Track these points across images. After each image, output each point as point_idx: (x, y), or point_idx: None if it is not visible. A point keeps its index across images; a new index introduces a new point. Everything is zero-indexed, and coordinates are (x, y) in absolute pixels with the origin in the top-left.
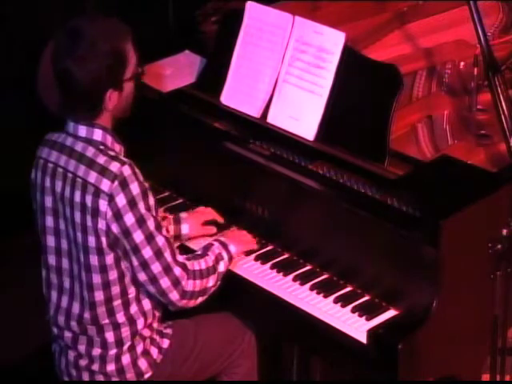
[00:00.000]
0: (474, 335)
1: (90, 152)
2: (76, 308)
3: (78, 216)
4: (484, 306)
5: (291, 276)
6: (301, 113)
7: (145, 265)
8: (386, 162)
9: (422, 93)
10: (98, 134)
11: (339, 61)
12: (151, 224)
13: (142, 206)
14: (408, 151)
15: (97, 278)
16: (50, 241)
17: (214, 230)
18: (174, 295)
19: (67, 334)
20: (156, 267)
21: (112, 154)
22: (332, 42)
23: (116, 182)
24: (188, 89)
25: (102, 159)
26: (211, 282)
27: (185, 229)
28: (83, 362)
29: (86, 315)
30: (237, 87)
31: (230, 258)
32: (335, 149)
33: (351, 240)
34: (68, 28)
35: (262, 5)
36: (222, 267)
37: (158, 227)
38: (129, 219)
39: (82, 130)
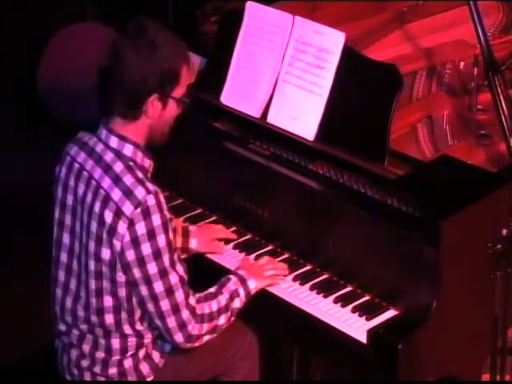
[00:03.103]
0: (474, 335)
1: (119, 168)
2: (81, 311)
3: (94, 226)
4: (484, 306)
5: (291, 276)
6: (301, 113)
7: (154, 298)
8: (386, 161)
9: (422, 93)
10: (128, 149)
11: (339, 61)
12: (167, 260)
13: (160, 239)
14: (408, 151)
15: (107, 284)
16: (66, 238)
17: (223, 248)
18: (179, 337)
19: (75, 332)
20: (165, 304)
21: (140, 175)
22: (332, 41)
23: (139, 209)
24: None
25: (129, 180)
26: (222, 320)
27: (193, 243)
28: (85, 363)
29: (93, 319)
30: (237, 87)
31: (248, 295)
32: (335, 149)
33: (351, 240)
34: (137, 21)
35: (262, 5)
36: (236, 304)
37: (173, 264)
38: (145, 249)
39: (114, 141)
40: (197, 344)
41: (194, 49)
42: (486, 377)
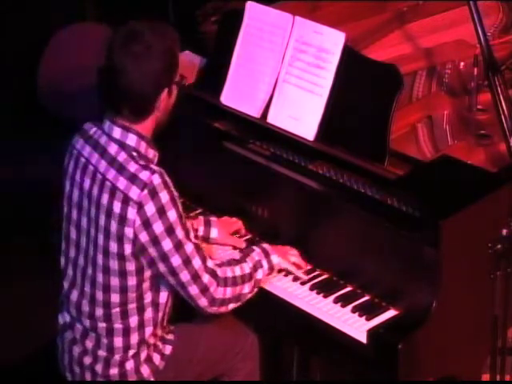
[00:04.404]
0: (473, 335)
1: (122, 157)
2: (85, 306)
3: (102, 219)
4: (484, 306)
5: (291, 276)
6: (301, 113)
7: (173, 272)
8: (386, 161)
9: (422, 93)
10: (132, 140)
11: (339, 61)
12: (180, 232)
13: (171, 214)
14: (408, 151)
15: (115, 281)
16: (73, 233)
17: (242, 243)
18: (203, 302)
19: (79, 326)
20: (184, 275)
21: (143, 163)
22: (332, 41)
23: (145, 191)
24: (188, 89)
25: (132, 167)
26: (246, 288)
27: (214, 233)
28: (87, 360)
29: (98, 313)
30: (237, 87)
31: (271, 268)
32: (335, 149)
33: (351, 240)
34: (124, 29)
35: (262, 5)
36: (259, 275)
37: (187, 234)
38: (158, 227)
39: (117, 132)
40: (223, 309)
41: (193, 49)
42: (486, 377)
